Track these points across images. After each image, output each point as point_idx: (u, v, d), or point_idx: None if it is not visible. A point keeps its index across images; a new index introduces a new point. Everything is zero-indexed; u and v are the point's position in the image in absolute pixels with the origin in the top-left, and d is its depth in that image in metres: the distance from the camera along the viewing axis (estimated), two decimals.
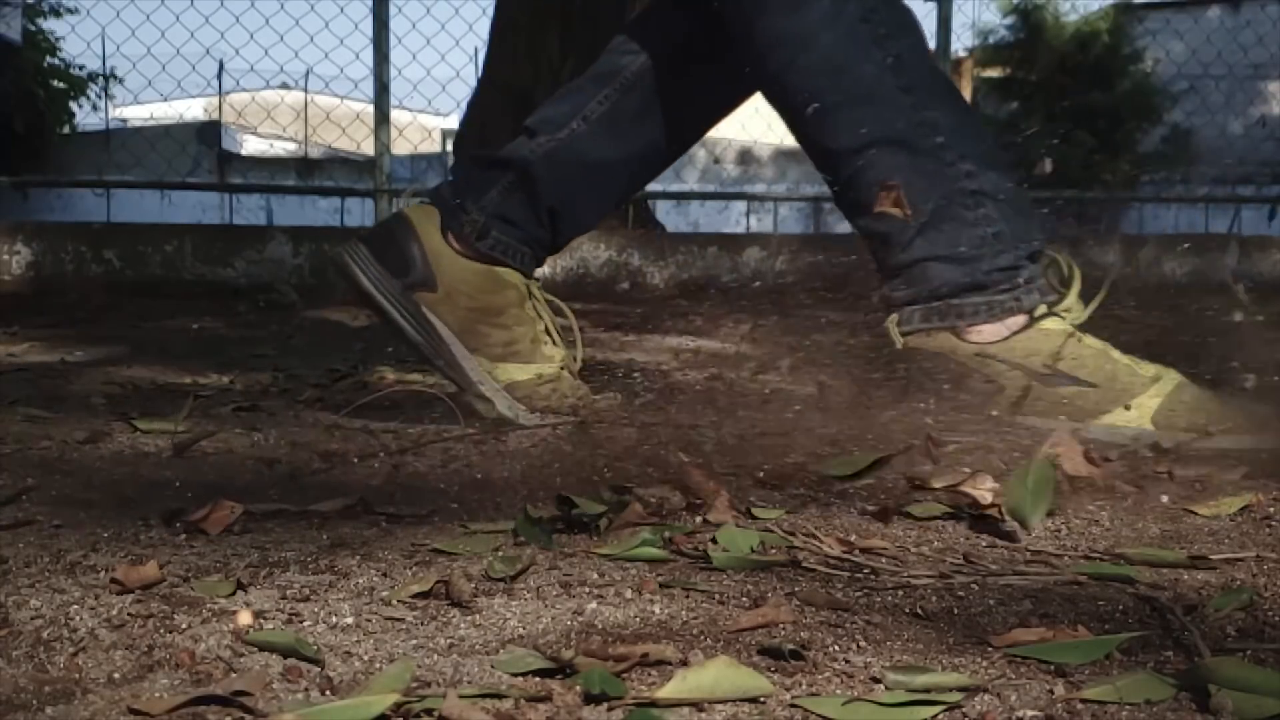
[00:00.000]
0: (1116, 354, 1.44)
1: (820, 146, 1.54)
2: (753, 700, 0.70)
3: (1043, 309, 1.46)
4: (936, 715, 0.68)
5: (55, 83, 12.15)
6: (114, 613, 0.83)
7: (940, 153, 1.48)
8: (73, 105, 12.48)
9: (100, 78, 12.14)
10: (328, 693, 0.70)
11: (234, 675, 0.72)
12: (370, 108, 4.74)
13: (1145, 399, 1.39)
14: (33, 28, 11.42)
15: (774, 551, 1.01)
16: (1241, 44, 8.02)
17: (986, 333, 1.46)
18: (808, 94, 1.51)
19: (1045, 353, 1.42)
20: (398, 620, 0.83)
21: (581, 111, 1.62)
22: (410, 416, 1.66)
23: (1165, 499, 1.19)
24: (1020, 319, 1.46)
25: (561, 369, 1.61)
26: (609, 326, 3.34)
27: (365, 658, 0.76)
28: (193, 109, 15.36)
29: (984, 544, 1.05)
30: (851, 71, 1.50)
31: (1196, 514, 1.14)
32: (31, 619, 0.82)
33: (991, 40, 14.45)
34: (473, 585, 0.90)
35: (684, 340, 2.96)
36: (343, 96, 8.56)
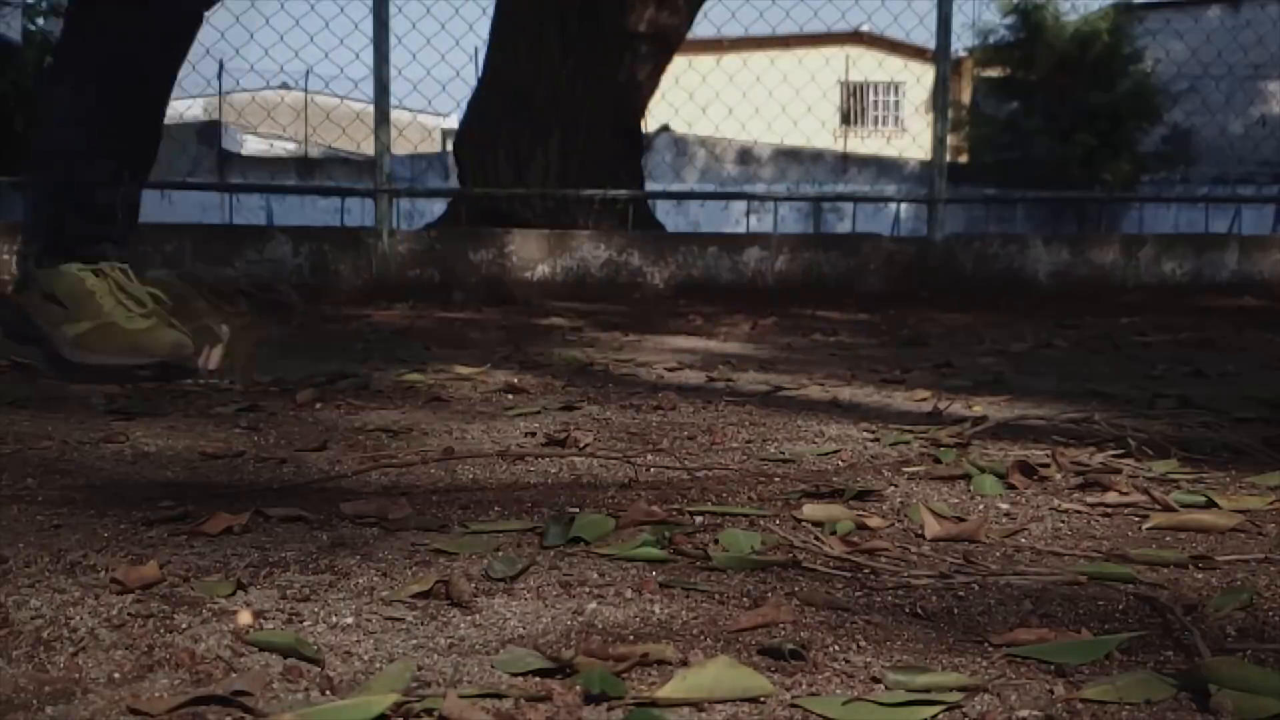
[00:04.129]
0: None
1: None
2: (753, 700, 0.70)
3: None
4: (936, 715, 0.68)
5: None
6: (114, 613, 0.83)
7: None
8: None
9: None
10: (328, 693, 0.70)
11: (234, 675, 0.72)
12: (370, 108, 4.74)
13: None
14: (33, 28, 11.41)
15: (774, 551, 1.01)
16: (1241, 44, 8.03)
17: None
18: None
19: None
20: (398, 620, 0.83)
21: None
22: (408, 415, 1.65)
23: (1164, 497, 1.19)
24: None
25: None
26: (609, 326, 3.34)
27: (365, 658, 0.76)
28: (193, 109, 15.38)
29: (984, 544, 1.05)
30: None
31: (1197, 515, 1.14)
32: (31, 619, 0.82)
33: (991, 40, 14.45)
34: (473, 585, 0.90)
35: (683, 340, 2.96)
36: (343, 96, 8.57)
